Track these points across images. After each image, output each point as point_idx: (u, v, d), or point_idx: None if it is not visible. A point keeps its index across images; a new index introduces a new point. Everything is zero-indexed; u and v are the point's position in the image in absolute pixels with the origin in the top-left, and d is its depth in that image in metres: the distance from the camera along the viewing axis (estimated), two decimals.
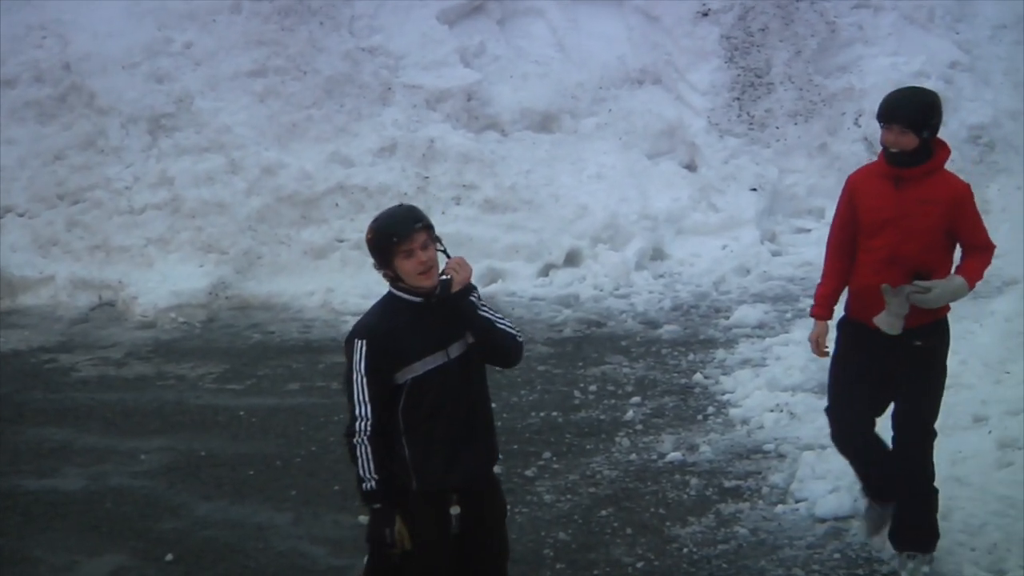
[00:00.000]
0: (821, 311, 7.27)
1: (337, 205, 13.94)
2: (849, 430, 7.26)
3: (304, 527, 8.38)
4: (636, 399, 10.31)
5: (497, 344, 5.74)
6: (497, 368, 5.94)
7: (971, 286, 6.84)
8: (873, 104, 14.64)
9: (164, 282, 13.16)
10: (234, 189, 13.95)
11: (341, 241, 13.72)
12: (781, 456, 9.07)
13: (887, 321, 6.81)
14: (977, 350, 10.01)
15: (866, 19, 15.62)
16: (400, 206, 5.94)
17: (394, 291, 5.72)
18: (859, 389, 7.13)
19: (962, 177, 13.76)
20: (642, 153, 14.84)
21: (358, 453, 5.55)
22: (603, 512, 8.41)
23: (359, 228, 13.46)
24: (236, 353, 11.89)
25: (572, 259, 13.64)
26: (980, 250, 6.92)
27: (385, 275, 5.70)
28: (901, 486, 7.25)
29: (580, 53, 15.68)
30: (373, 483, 5.54)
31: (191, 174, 14.09)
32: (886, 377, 7.06)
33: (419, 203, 13.68)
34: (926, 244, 6.76)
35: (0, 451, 9.70)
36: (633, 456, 9.27)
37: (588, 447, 9.48)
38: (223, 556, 8.03)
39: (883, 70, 15.07)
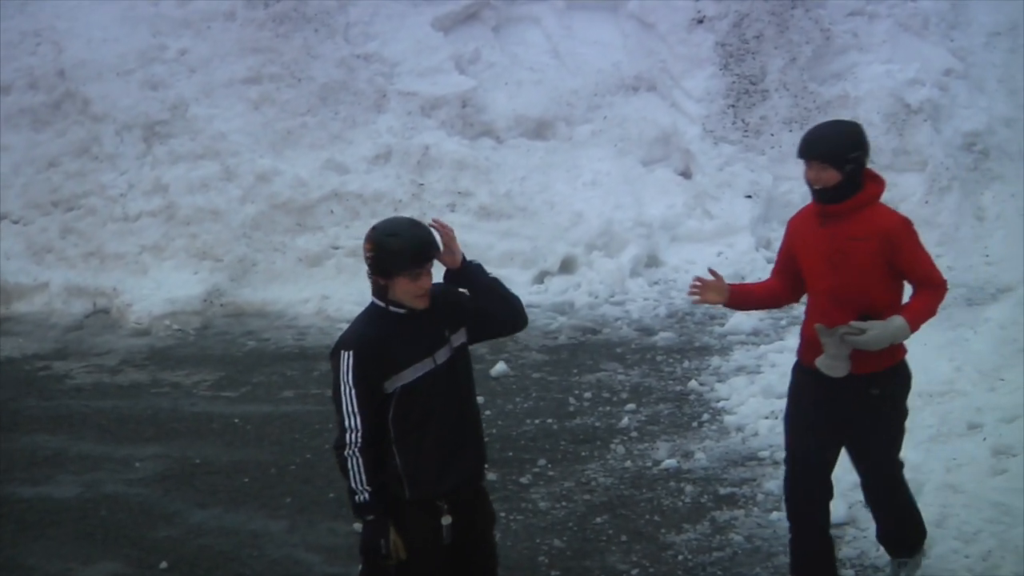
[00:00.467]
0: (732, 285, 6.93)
1: (332, 212, 13.94)
2: (803, 481, 6.93)
3: (299, 535, 8.37)
4: (631, 406, 10.31)
5: (508, 298, 5.84)
6: (505, 340, 5.96)
7: (913, 327, 6.41)
8: (868, 111, 14.83)
9: (159, 289, 13.15)
10: (229, 196, 13.95)
11: (336, 248, 13.72)
12: (776, 463, 9.06)
13: (826, 364, 6.46)
14: (972, 357, 10.02)
15: (861, 26, 15.61)
16: (419, 226, 5.73)
17: (377, 302, 5.70)
18: (811, 439, 6.80)
19: (956, 185, 13.83)
20: (637, 160, 14.84)
21: (349, 465, 5.54)
22: (598, 519, 8.41)
23: (354, 235, 13.49)
24: (231, 360, 11.89)
25: (567, 266, 13.64)
26: (927, 287, 6.51)
27: (375, 281, 5.65)
28: (877, 512, 7.12)
29: (575, 60, 15.68)
30: (366, 495, 5.53)
31: (186, 181, 14.08)
32: (842, 424, 6.69)
33: (414, 210, 13.79)
34: (866, 283, 6.40)
35: None
36: (628, 463, 9.27)
37: (583, 454, 9.48)
38: (218, 564, 8.03)
39: (878, 77, 15.07)
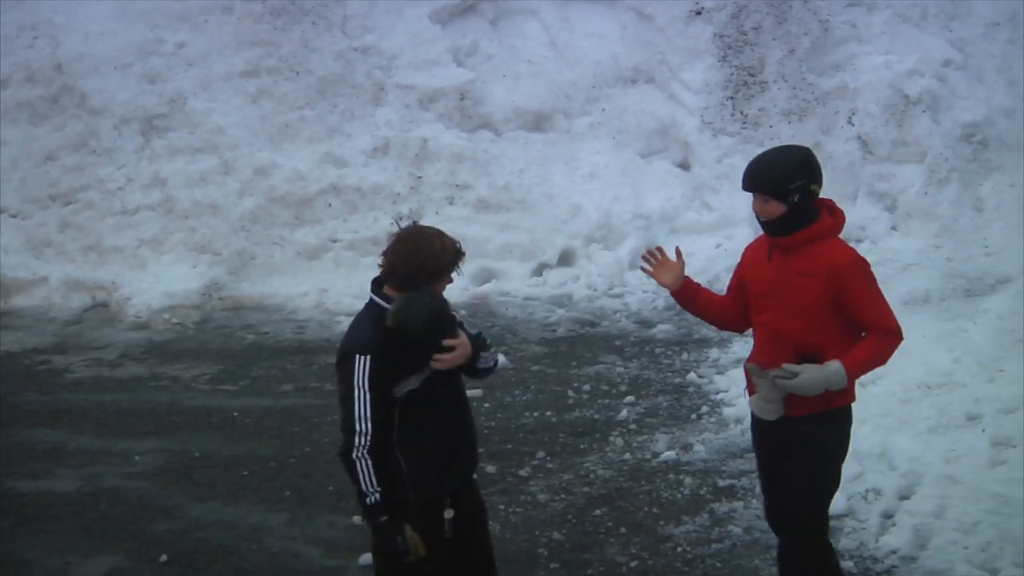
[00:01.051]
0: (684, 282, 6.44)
1: (330, 205, 13.94)
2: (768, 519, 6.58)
3: (298, 528, 8.37)
4: (630, 398, 10.32)
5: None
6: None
7: (852, 375, 5.93)
8: (867, 103, 14.82)
9: (157, 283, 13.15)
10: (227, 190, 13.95)
11: (334, 241, 13.73)
12: None
13: (757, 405, 6.06)
14: (971, 348, 10.03)
15: (859, 17, 15.59)
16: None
17: (381, 302, 5.65)
18: (762, 481, 6.50)
19: (955, 176, 13.80)
20: (635, 152, 14.83)
21: (359, 468, 5.52)
22: (597, 511, 8.41)
23: (352, 229, 13.51)
24: (230, 354, 11.89)
25: (566, 259, 13.64)
26: (876, 332, 5.99)
27: (402, 274, 5.59)
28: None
29: (573, 52, 15.67)
30: (377, 495, 5.52)
31: (184, 175, 14.08)
32: (769, 462, 6.32)
33: (412, 203, 13.82)
34: (809, 321, 5.94)
35: None
36: (627, 455, 9.28)
37: (582, 447, 9.48)
38: (217, 557, 8.03)
39: (876, 68, 15.06)
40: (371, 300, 5.72)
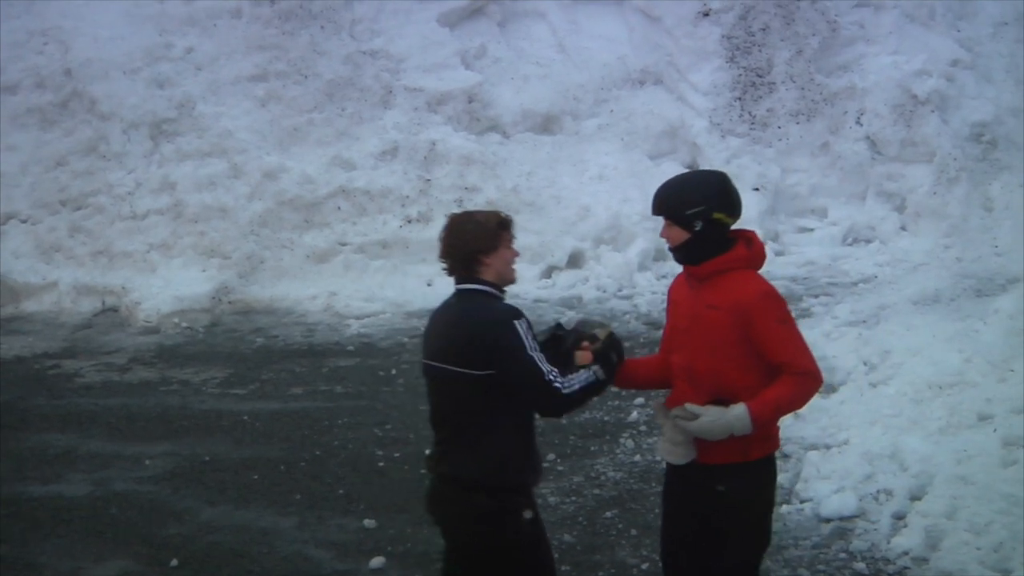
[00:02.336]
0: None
1: (339, 209, 13.95)
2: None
3: (308, 531, 8.37)
4: (639, 400, 10.30)
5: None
6: None
7: (758, 419, 5.40)
8: (875, 103, 14.81)
9: (167, 287, 13.17)
10: (236, 194, 13.96)
11: (343, 245, 13.74)
12: (786, 456, 9.05)
13: (664, 448, 5.64)
14: (981, 348, 9.99)
15: (867, 18, 15.60)
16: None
17: (477, 286, 5.65)
18: (666, 540, 5.94)
19: (964, 176, 13.75)
20: (644, 154, 14.84)
21: (577, 393, 5.48)
22: (608, 513, 8.40)
23: (361, 232, 13.52)
24: (239, 358, 11.89)
25: (575, 260, 13.64)
26: (790, 374, 5.45)
27: (477, 261, 5.62)
28: None
29: (581, 54, 15.68)
30: (598, 372, 5.54)
31: (193, 179, 14.10)
32: (688, 519, 5.75)
33: (421, 206, 13.83)
34: (719, 360, 5.50)
35: (4, 457, 9.69)
36: (637, 457, 9.27)
37: (592, 449, 9.47)
38: (228, 561, 8.02)
39: (884, 68, 15.06)
40: (466, 290, 5.68)
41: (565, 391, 5.43)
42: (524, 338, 5.42)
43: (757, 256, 5.65)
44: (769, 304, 5.51)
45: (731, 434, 5.41)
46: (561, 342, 5.68)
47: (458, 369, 5.50)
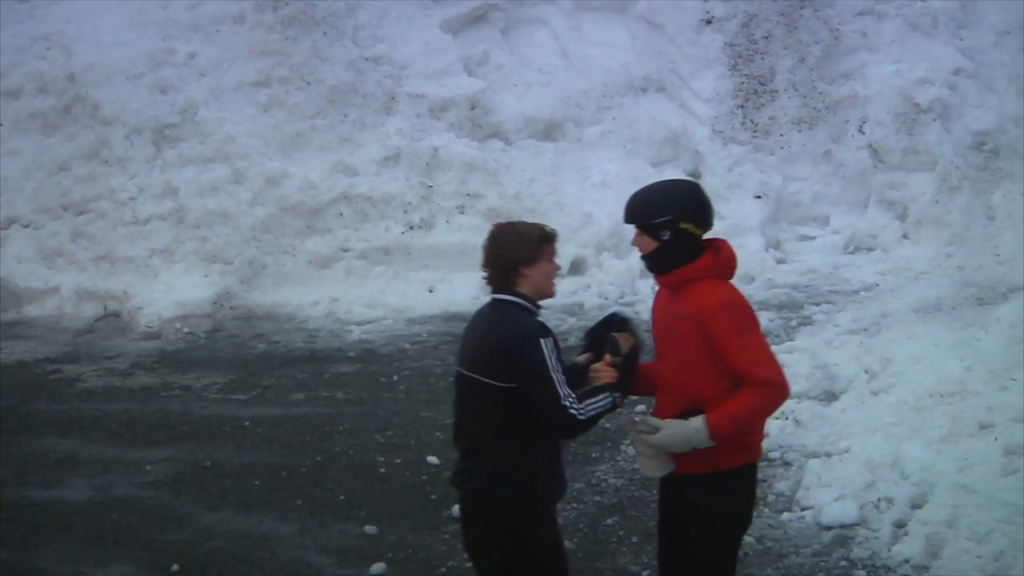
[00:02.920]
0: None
1: (341, 215, 13.96)
2: None
3: (310, 537, 8.37)
4: (641, 407, 10.29)
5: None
6: None
7: (716, 432, 5.37)
8: (877, 111, 14.81)
9: (169, 292, 13.17)
10: (238, 199, 13.97)
11: (345, 251, 13.74)
12: (787, 464, 9.07)
13: (639, 462, 5.69)
14: (983, 357, 10.00)
15: (870, 26, 15.61)
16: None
17: (512, 298, 5.65)
18: (659, 552, 6.01)
19: (966, 184, 13.75)
20: (646, 161, 14.84)
21: (589, 415, 5.52)
22: (609, 520, 8.40)
23: (363, 238, 13.52)
24: (241, 363, 11.90)
25: (577, 267, 13.64)
26: (748, 384, 5.39)
27: (517, 272, 5.61)
28: None
29: (584, 61, 15.69)
30: (608, 398, 5.59)
31: (195, 184, 14.10)
32: (667, 525, 5.88)
33: (423, 212, 13.83)
34: (686, 371, 5.52)
35: (5, 462, 9.70)
36: (638, 464, 9.25)
37: (593, 455, 9.47)
38: (229, 566, 8.03)
39: (887, 77, 15.07)
40: (501, 300, 5.68)
41: (580, 417, 5.49)
42: (547, 357, 5.45)
43: (724, 265, 5.65)
44: (727, 313, 5.49)
45: (692, 447, 5.43)
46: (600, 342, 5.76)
47: (484, 379, 5.53)
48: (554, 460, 5.68)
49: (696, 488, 5.57)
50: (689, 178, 5.82)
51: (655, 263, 5.66)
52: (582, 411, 5.47)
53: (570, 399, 5.45)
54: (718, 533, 5.64)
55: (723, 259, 5.64)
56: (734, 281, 5.77)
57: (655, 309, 5.83)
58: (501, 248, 5.64)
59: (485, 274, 5.72)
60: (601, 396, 5.55)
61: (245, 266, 13.50)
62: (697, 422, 5.39)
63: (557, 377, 5.45)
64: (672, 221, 5.55)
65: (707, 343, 5.45)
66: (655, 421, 5.48)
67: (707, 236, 5.75)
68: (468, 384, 5.64)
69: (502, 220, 6.05)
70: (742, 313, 5.53)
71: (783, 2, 15.46)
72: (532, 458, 5.57)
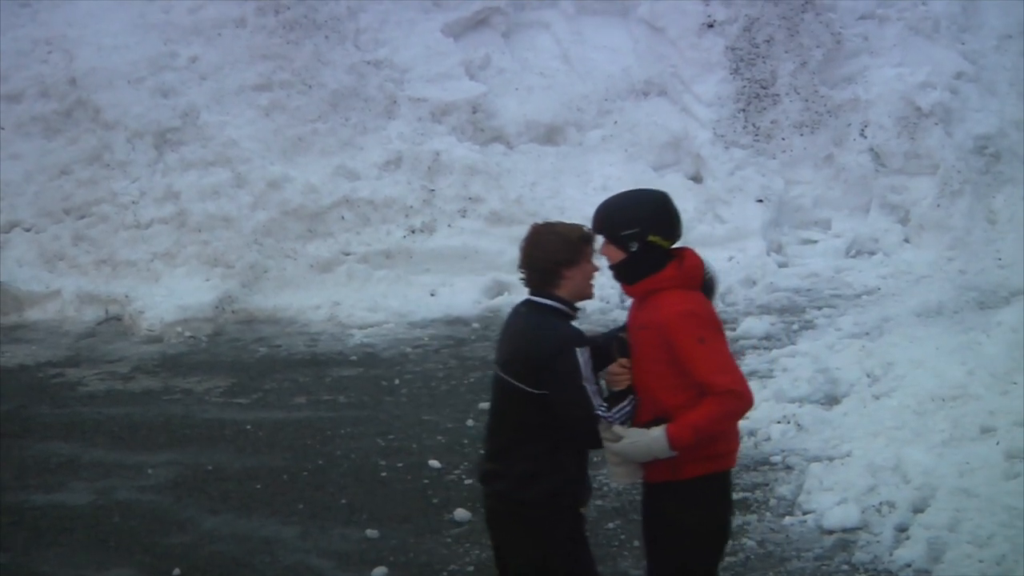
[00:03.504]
0: None
1: (343, 218, 13.96)
2: None
3: (311, 541, 8.37)
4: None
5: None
6: None
7: (675, 442, 5.35)
8: (879, 115, 14.81)
9: (170, 296, 13.17)
10: (240, 203, 13.97)
11: (347, 255, 13.74)
12: (788, 468, 9.06)
13: (607, 469, 5.71)
14: (984, 361, 10.00)
15: (871, 30, 15.60)
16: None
17: (549, 302, 5.63)
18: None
19: (967, 188, 13.75)
20: (648, 165, 14.83)
21: (621, 417, 5.53)
22: (610, 525, 8.39)
23: (365, 241, 13.52)
24: (242, 367, 11.90)
25: None
26: (709, 394, 5.37)
27: (558, 274, 5.59)
28: None
29: (585, 65, 15.68)
30: (634, 401, 5.56)
31: (197, 188, 14.10)
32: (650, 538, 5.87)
33: (425, 216, 13.83)
34: (651, 380, 5.50)
35: (7, 466, 9.70)
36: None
37: (595, 459, 9.40)
38: (230, 570, 8.03)
39: (888, 81, 15.06)
40: (538, 304, 5.66)
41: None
42: (581, 367, 5.44)
43: (688, 275, 5.62)
44: (686, 323, 5.46)
45: (654, 456, 5.43)
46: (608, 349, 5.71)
47: (516, 383, 5.54)
48: (582, 464, 5.70)
49: (661, 496, 5.62)
50: (658, 188, 5.71)
51: (622, 273, 5.67)
52: (611, 418, 5.47)
53: (602, 408, 5.46)
54: (682, 543, 5.62)
55: (687, 269, 5.62)
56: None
57: (628, 318, 5.82)
58: (542, 250, 5.63)
59: (523, 275, 5.70)
60: (626, 400, 5.53)
61: (246, 270, 13.50)
62: (657, 432, 5.38)
63: (590, 388, 5.45)
64: (640, 233, 5.56)
65: (669, 353, 5.45)
66: (619, 429, 5.46)
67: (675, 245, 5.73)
68: (501, 385, 5.66)
69: (539, 221, 5.99)
70: (703, 323, 5.50)
71: (785, 6, 15.45)
72: (561, 462, 5.58)
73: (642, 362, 5.54)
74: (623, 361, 5.62)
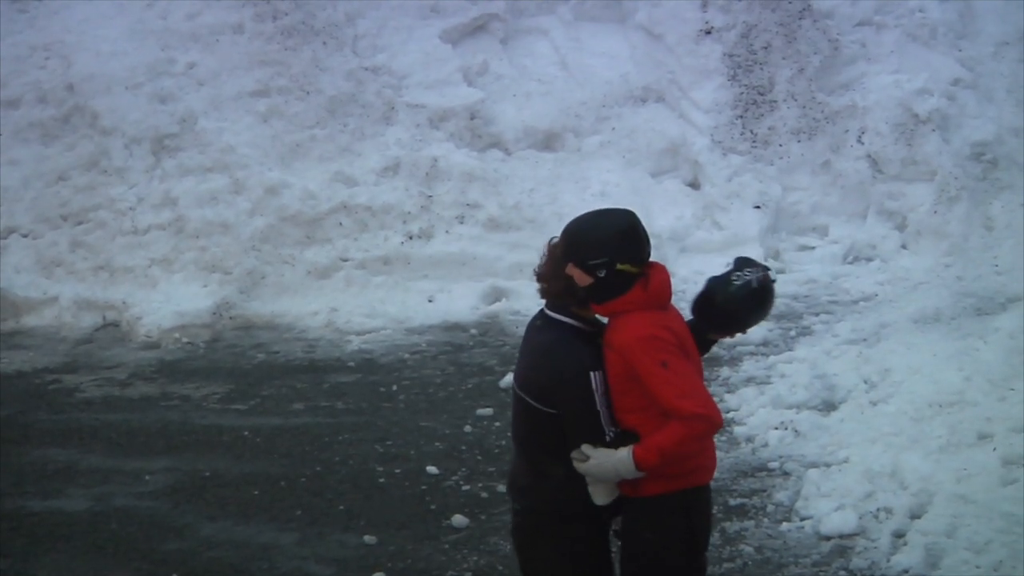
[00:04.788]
0: None
1: (341, 224, 13.95)
2: None
3: (309, 547, 8.37)
4: None
5: None
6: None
7: (641, 463, 5.32)
8: (876, 121, 14.84)
9: (168, 302, 13.16)
10: (238, 209, 13.97)
11: (345, 261, 13.73)
12: (786, 474, 9.07)
13: (589, 488, 5.57)
14: (981, 367, 10.01)
15: (869, 36, 15.62)
16: None
17: (568, 320, 5.59)
18: None
19: (964, 195, 13.77)
20: (645, 171, 14.84)
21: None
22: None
23: (363, 248, 13.52)
24: (240, 373, 11.90)
25: None
26: (673, 419, 5.30)
27: (579, 287, 5.51)
28: None
29: (583, 71, 15.69)
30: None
31: (195, 194, 14.10)
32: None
33: (423, 222, 13.84)
34: (624, 400, 5.45)
35: (4, 472, 9.70)
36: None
37: None
38: None
39: (886, 87, 15.08)
40: (556, 321, 5.62)
41: None
42: (595, 392, 5.41)
43: (654, 296, 5.49)
44: (649, 347, 5.36)
45: (620, 476, 5.39)
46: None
47: (532, 401, 5.52)
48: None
49: (628, 514, 5.60)
50: (626, 208, 5.55)
51: (592, 295, 5.52)
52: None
53: (611, 434, 5.43)
54: (639, 562, 5.62)
55: (653, 289, 5.49)
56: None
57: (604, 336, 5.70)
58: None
59: (544, 291, 5.64)
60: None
61: (244, 276, 13.50)
62: (623, 453, 5.34)
63: (604, 413, 5.42)
64: (608, 263, 5.44)
65: (631, 374, 5.38)
66: (587, 449, 5.41)
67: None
68: (522, 403, 5.62)
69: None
70: (664, 346, 5.38)
71: (782, 13, 15.48)
72: (582, 479, 5.56)
73: (612, 382, 5.44)
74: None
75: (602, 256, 5.43)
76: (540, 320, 5.69)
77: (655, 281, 5.50)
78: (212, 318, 13.04)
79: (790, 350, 11.55)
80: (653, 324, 5.43)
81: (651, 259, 5.56)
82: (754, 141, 14.96)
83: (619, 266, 5.43)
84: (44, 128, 14.91)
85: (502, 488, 8.86)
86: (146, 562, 8.24)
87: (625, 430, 5.43)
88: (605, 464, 5.38)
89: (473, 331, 12.77)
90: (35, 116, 14.96)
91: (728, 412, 10.29)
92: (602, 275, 5.44)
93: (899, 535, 7.96)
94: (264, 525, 8.72)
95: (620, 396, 5.44)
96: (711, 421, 5.35)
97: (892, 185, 14.64)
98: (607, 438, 5.42)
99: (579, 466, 5.43)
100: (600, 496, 5.52)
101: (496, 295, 13.38)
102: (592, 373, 5.43)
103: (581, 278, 5.47)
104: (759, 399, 10.36)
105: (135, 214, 14.13)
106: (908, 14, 15.79)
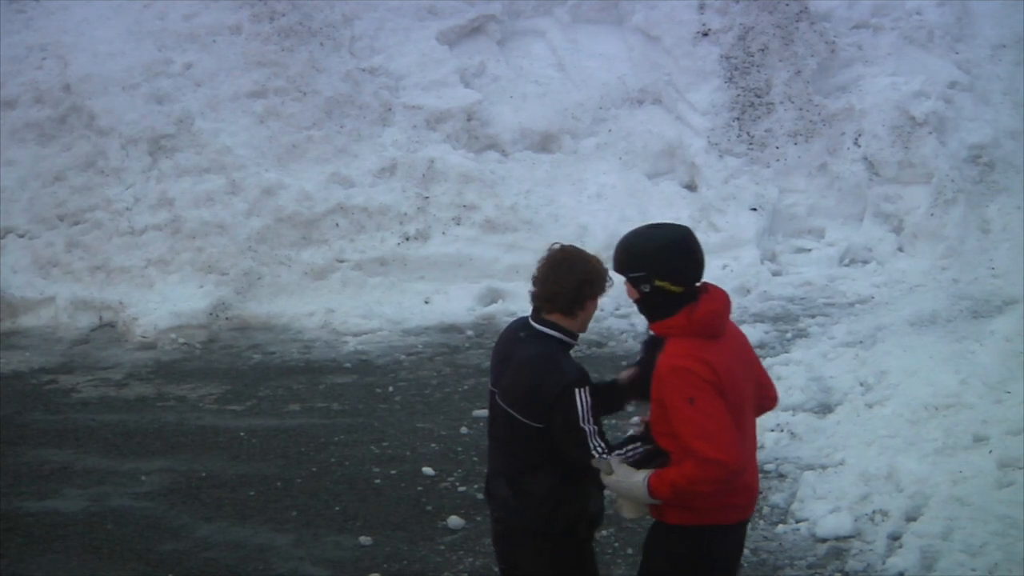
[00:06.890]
0: None
1: (337, 225, 13.96)
2: None
3: (305, 548, 8.37)
4: (636, 419, 10.27)
5: None
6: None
7: (655, 491, 5.28)
8: (873, 124, 14.85)
9: (164, 303, 13.16)
10: (234, 210, 13.96)
11: (341, 262, 13.74)
12: (782, 476, 9.07)
13: (616, 502, 5.59)
14: (977, 370, 10.02)
15: (866, 39, 15.64)
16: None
17: (554, 333, 5.59)
18: None
19: (961, 197, 13.78)
20: (642, 173, 14.86)
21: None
22: (604, 532, 8.39)
23: (359, 249, 13.52)
24: (236, 374, 11.89)
25: None
26: (688, 456, 5.24)
27: (580, 304, 5.58)
28: None
29: (580, 73, 15.70)
30: (640, 451, 5.53)
31: (191, 195, 14.10)
32: None
33: (419, 223, 13.83)
34: (657, 424, 5.43)
35: (0, 472, 9.69)
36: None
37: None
38: None
39: (883, 90, 15.09)
40: (542, 334, 5.60)
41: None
42: (580, 407, 5.41)
43: (698, 326, 5.36)
44: (679, 380, 5.25)
45: (637, 499, 5.37)
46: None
47: (517, 415, 5.52)
48: (597, 490, 5.66)
49: (652, 533, 5.60)
50: (681, 225, 5.47)
51: (643, 311, 5.53)
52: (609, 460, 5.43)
53: (598, 449, 5.42)
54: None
55: (697, 318, 5.36)
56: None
57: None
58: (577, 276, 5.60)
59: (540, 295, 5.61)
60: (629, 448, 5.49)
61: (241, 277, 13.50)
62: (640, 477, 5.32)
63: (589, 428, 5.42)
64: (648, 277, 5.41)
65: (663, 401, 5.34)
66: (613, 463, 5.39)
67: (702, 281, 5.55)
68: (504, 415, 5.60)
69: (565, 244, 5.90)
70: (695, 381, 5.24)
71: (779, 15, 15.50)
72: (574, 488, 5.56)
73: (654, 405, 5.41)
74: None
75: (640, 270, 5.43)
76: (524, 332, 5.65)
77: (702, 309, 5.38)
78: (208, 319, 13.04)
79: (786, 352, 11.56)
80: (690, 356, 5.29)
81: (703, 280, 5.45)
82: (751, 143, 14.97)
83: (657, 282, 5.38)
84: (41, 128, 14.91)
85: None
86: (142, 563, 8.23)
87: (660, 448, 5.39)
88: (623, 483, 5.36)
89: (469, 332, 12.78)
90: (32, 116, 14.96)
91: None
92: (647, 290, 5.41)
93: (895, 537, 7.97)
94: (260, 526, 8.71)
95: (656, 419, 5.40)
96: (726, 467, 5.20)
97: (889, 188, 14.66)
98: (594, 453, 5.40)
99: (604, 479, 5.42)
100: (627, 511, 5.50)
101: (492, 296, 13.39)
102: (577, 390, 5.42)
103: (629, 291, 5.49)
104: None
105: (132, 214, 14.12)
106: (905, 17, 15.81)
